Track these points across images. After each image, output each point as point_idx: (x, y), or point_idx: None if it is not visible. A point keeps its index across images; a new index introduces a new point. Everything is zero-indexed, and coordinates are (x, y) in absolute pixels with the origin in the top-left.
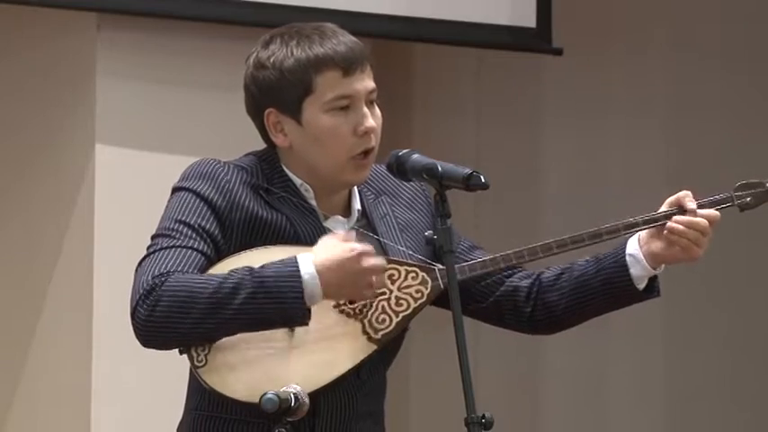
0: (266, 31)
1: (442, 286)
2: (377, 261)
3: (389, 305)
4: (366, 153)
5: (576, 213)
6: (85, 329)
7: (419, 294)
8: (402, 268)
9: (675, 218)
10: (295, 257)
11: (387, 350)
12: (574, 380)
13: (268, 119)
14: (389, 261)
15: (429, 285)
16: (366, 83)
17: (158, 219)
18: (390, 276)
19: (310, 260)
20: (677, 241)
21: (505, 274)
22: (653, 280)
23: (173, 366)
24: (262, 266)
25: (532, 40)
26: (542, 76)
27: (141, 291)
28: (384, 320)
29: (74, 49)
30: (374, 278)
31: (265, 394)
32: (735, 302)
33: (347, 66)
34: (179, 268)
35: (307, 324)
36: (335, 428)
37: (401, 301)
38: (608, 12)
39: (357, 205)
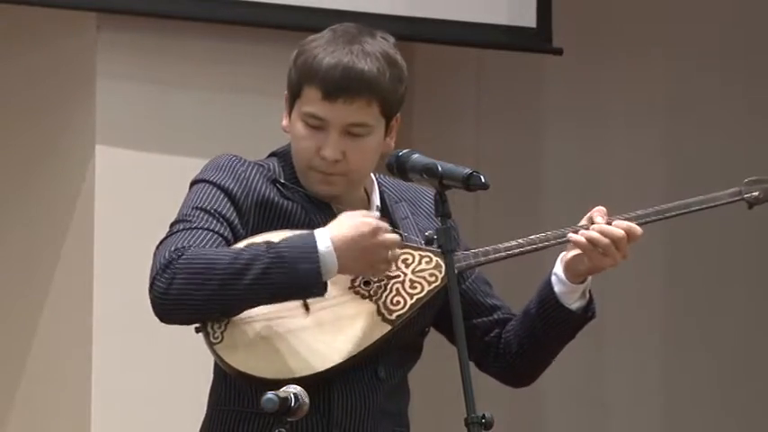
0: (266, 31)
1: (455, 270)
2: (392, 235)
3: (404, 288)
4: (326, 173)
5: (577, 214)
6: (85, 329)
7: (433, 278)
8: (416, 253)
9: (581, 232)
10: (312, 231)
11: (407, 350)
12: (573, 380)
13: (285, 100)
14: (404, 246)
15: (443, 269)
16: (347, 114)
17: (158, 219)
18: (405, 260)
19: (327, 234)
20: (585, 250)
21: (507, 316)
22: (589, 302)
23: (173, 367)
24: (279, 240)
25: (532, 40)
26: (542, 76)
27: (159, 266)
28: (399, 302)
29: (74, 49)
30: (390, 253)
31: (265, 394)
32: (734, 307)
33: (329, 91)
34: (197, 245)
35: (322, 295)
36: (351, 423)
37: (415, 284)
38: (608, 12)
39: (377, 202)
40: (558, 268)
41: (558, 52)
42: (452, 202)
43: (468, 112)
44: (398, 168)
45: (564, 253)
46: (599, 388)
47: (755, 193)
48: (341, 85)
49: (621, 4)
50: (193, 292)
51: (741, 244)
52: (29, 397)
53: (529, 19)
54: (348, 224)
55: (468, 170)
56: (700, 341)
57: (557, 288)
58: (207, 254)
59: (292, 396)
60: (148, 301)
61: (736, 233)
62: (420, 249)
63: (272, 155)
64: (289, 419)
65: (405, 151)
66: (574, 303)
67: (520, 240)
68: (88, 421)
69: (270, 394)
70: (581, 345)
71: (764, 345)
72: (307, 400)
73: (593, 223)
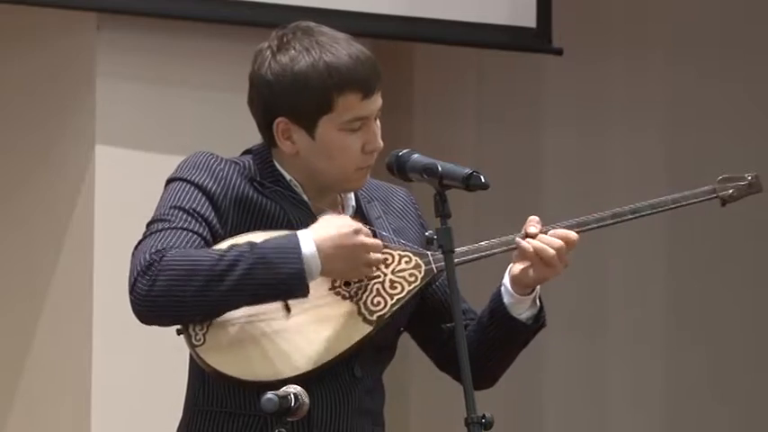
0: (266, 31)
1: (434, 270)
2: (374, 239)
3: (384, 288)
4: (369, 165)
5: (577, 213)
6: (85, 329)
7: (413, 278)
8: (395, 253)
9: (528, 240)
10: (295, 233)
11: (382, 349)
12: (574, 380)
13: (278, 126)
14: (385, 246)
15: (422, 269)
16: (378, 102)
17: None
18: (384, 261)
19: (310, 236)
20: (531, 260)
21: (469, 322)
22: (540, 311)
23: (173, 366)
24: (262, 241)
25: (532, 40)
26: (542, 76)
27: (140, 267)
28: (379, 303)
29: (74, 49)
30: (372, 256)
31: (265, 394)
32: (734, 304)
33: (368, 90)
34: (177, 246)
35: (305, 296)
36: (331, 423)
37: (395, 285)
38: (608, 12)
39: (352, 202)
40: (506, 279)
41: (558, 52)
42: (452, 201)
43: (468, 112)
44: (398, 168)
45: (511, 264)
46: (599, 388)
47: (729, 191)
48: (371, 77)
49: (621, 4)
50: (176, 294)
51: (742, 241)
52: (29, 397)
53: (529, 19)
54: (330, 227)
55: (468, 170)
56: (701, 341)
57: (505, 299)
58: (189, 255)
59: (292, 396)
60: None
61: (737, 231)
62: (399, 249)
63: (247, 152)
64: (289, 419)
65: (405, 151)
66: (524, 313)
67: (469, 246)
68: (88, 421)
69: (270, 394)
70: (581, 344)
71: (766, 342)
72: (307, 399)
73: (527, 235)
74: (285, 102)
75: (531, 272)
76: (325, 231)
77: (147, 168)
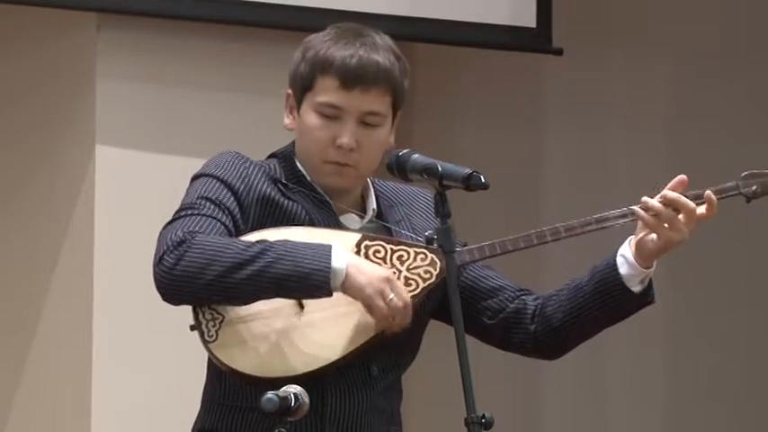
0: (266, 31)
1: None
2: (403, 293)
3: None
4: (340, 164)
5: (577, 213)
6: (85, 329)
7: (428, 275)
8: (411, 250)
9: (635, 211)
10: (331, 245)
11: (401, 349)
12: (574, 380)
13: (287, 99)
14: (400, 243)
15: (438, 266)
16: (363, 103)
17: (158, 219)
18: (400, 258)
19: (345, 253)
20: (649, 224)
21: (518, 293)
22: (649, 288)
23: (173, 365)
24: (295, 241)
25: (532, 40)
26: (542, 76)
27: (170, 242)
28: None
29: (74, 49)
30: (392, 296)
31: (265, 394)
32: (736, 305)
33: (346, 79)
34: (204, 232)
35: (328, 296)
36: (345, 421)
37: (410, 281)
38: (608, 12)
39: (373, 205)
40: (627, 250)
41: (558, 52)
42: (452, 201)
43: (468, 112)
44: (398, 168)
45: (631, 237)
46: (599, 388)
47: (753, 187)
48: (358, 74)
49: (621, 5)
50: (199, 272)
51: (743, 242)
52: (29, 397)
53: (529, 19)
54: (366, 262)
55: (468, 170)
56: (701, 341)
57: (623, 270)
58: (220, 239)
59: (292, 396)
60: (148, 301)
61: (738, 231)
62: (415, 246)
63: (272, 156)
64: (289, 419)
65: (405, 151)
66: (635, 287)
67: (559, 225)
68: (88, 421)
69: (270, 394)
70: (581, 345)
71: (766, 343)
72: (307, 399)
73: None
74: (292, 74)
75: (654, 238)
76: (361, 261)
77: (146, 168)
